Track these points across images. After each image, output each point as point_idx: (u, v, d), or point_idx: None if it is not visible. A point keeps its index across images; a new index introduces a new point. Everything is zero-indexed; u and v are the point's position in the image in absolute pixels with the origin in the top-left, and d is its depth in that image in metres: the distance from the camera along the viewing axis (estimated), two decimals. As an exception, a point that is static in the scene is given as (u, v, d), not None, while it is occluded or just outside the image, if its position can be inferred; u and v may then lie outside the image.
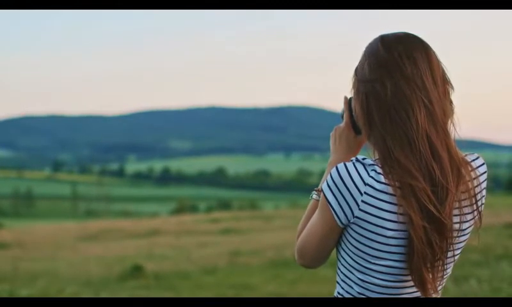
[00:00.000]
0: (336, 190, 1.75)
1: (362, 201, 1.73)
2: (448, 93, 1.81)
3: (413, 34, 1.84)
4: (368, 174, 1.73)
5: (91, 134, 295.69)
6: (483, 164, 1.87)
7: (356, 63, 1.89)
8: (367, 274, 1.80)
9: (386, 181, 1.73)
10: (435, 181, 1.74)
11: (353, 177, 1.74)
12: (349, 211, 1.75)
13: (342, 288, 1.87)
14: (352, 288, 1.84)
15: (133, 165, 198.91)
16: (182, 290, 10.51)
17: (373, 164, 1.75)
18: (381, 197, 1.73)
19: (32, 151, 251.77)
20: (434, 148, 1.74)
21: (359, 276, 1.81)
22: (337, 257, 1.88)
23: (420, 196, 1.72)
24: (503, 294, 8.16)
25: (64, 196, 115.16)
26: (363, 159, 1.76)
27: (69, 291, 10.43)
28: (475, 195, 1.81)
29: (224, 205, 79.75)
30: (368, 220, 1.74)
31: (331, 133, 2.02)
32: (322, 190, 1.79)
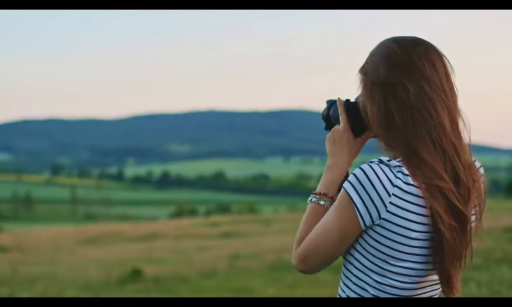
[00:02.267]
0: (363, 191, 1.74)
1: (390, 202, 1.73)
2: (457, 98, 1.85)
3: (424, 39, 1.86)
4: (395, 175, 1.74)
5: (90, 138, 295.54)
6: (481, 166, 1.90)
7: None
8: (384, 276, 1.79)
9: (414, 183, 1.74)
10: (459, 181, 1.77)
11: (381, 178, 1.73)
12: (376, 212, 1.74)
13: (354, 291, 1.84)
14: (366, 291, 1.82)
15: (132, 169, 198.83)
16: (182, 293, 10.50)
17: (399, 166, 1.75)
18: (408, 199, 1.74)
19: (31, 155, 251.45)
20: (456, 148, 1.78)
21: (376, 278, 1.80)
22: (348, 260, 1.85)
23: (448, 196, 1.75)
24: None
25: (63, 200, 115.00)
26: (388, 161, 1.76)
27: (68, 295, 10.42)
28: (482, 195, 1.86)
29: (224, 209, 79.70)
30: (395, 221, 1.74)
31: (327, 136, 2.00)
32: (346, 191, 1.76)
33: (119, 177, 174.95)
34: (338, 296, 1.91)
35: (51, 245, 21.01)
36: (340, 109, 1.99)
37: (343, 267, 1.88)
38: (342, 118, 1.98)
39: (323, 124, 2.11)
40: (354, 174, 1.76)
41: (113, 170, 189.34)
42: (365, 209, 1.74)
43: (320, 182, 1.95)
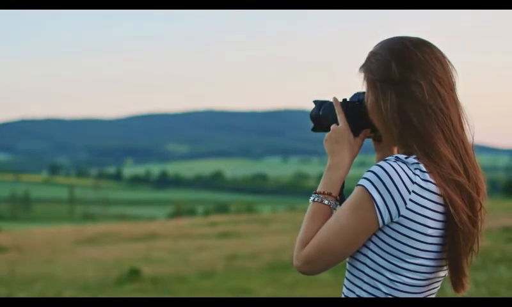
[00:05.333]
0: (384, 188, 1.75)
1: (410, 199, 1.75)
2: None
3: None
4: (413, 172, 1.76)
5: (88, 138, 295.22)
6: None
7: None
8: (398, 274, 1.80)
9: (431, 180, 1.76)
10: (468, 178, 1.81)
11: (401, 175, 1.75)
12: (395, 210, 1.75)
13: (365, 290, 1.84)
14: (379, 289, 1.82)
15: (130, 169, 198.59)
16: (180, 293, 10.51)
17: (416, 163, 1.77)
18: (426, 196, 1.76)
19: (29, 155, 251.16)
20: (465, 146, 1.83)
21: (390, 276, 1.81)
22: (358, 260, 1.84)
23: (465, 189, 1.79)
24: (500, 298, 8.16)
25: (61, 200, 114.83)
26: (406, 158, 1.78)
27: (66, 295, 10.42)
28: (486, 197, 1.89)
29: (222, 209, 79.63)
30: (414, 219, 1.76)
31: (327, 135, 1.97)
32: (365, 188, 1.76)
33: (117, 177, 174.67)
34: (343, 296, 1.89)
35: (49, 245, 21.00)
36: (338, 109, 1.97)
37: (350, 267, 1.87)
38: (341, 118, 1.96)
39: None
40: (373, 172, 1.77)
41: (111, 170, 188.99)
42: (384, 206, 1.75)
43: (322, 182, 1.93)
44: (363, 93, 1.95)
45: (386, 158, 1.80)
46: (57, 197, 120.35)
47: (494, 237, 13.76)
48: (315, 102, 2.09)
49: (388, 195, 1.74)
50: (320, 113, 2.05)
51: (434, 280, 1.86)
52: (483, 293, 8.32)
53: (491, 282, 9.05)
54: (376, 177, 1.75)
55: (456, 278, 1.86)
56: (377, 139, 2.00)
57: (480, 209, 1.83)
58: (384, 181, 1.74)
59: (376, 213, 1.76)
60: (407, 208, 1.75)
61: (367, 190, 1.76)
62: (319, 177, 1.97)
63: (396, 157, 1.78)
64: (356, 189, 1.79)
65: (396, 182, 1.74)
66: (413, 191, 1.75)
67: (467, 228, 1.79)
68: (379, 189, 1.75)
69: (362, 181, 1.78)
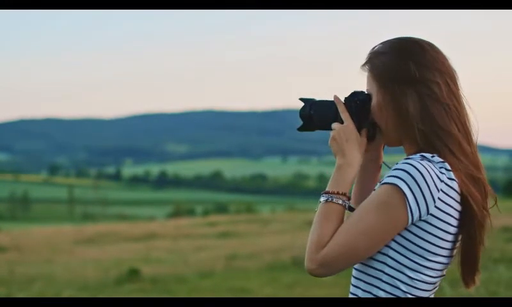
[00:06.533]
0: (416, 187, 1.75)
1: (438, 198, 1.77)
2: None
3: None
4: (439, 171, 1.78)
5: (87, 138, 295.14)
6: None
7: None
8: (419, 272, 1.81)
9: (456, 178, 1.79)
10: (482, 172, 1.86)
11: (431, 174, 1.76)
12: (425, 208, 1.77)
13: (384, 290, 1.82)
14: (398, 288, 1.82)
15: (130, 169, 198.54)
16: (179, 293, 10.52)
17: (442, 161, 1.79)
18: (451, 195, 1.79)
19: (28, 155, 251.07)
20: (473, 143, 1.86)
21: (410, 275, 1.81)
22: (376, 259, 1.82)
23: (482, 185, 1.83)
24: (500, 298, 8.16)
25: (60, 200, 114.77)
26: (432, 157, 1.80)
27: (65, 295, 10.42)
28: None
29: (221, 209, 79.55)
30: (440, 217, 1.78)
31: (334, 133, 1.93)
32: (398, 187, 1.75)
33: (116, 177, 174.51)
34: (354, 296, 1.87)
35: (48, 245, 21.02)
36: (341, 108, 1.94)
37: (365, 268, 1.85)
38: (346, 117, 1.93)
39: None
40: (404, 170, 1.77)
41: (111, 170, 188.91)
42: (416, 205, 1.76)
43: (334, 181, 1.88)
44: (362, 92, 1.93)
45: (412, 156, 1.80)
46: (56, 197, 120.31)
47: (493, 237, 13.76)
48: (303, 100, 2.05)
49: (420, 193, 1.75)
50: (312, 112, 2.02)
51: (441, 278, 1.89)
52: (482, 293, 8.31)
53: (491, 282, 9.04)
54: (408, 175, 1.75)
55: (467, 274, 1.88)
56: (369, 139, 1.97)
57: (495, 204, 1.89)
58: (417, 179, 1.75)
59: (406, 211, 1.76)
60: (435, 207, 1.77)
61: (400, 188, 1.75)
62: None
63: (422, 155, 1.80)
64: (385, 187, 1.78)
65: (428, 181, 1.75)
66: (441, 189, 1.77)
67: (483, 224, 1.84)
68: (412, 188, 1.75)
69: (393, 180, 1.76)
